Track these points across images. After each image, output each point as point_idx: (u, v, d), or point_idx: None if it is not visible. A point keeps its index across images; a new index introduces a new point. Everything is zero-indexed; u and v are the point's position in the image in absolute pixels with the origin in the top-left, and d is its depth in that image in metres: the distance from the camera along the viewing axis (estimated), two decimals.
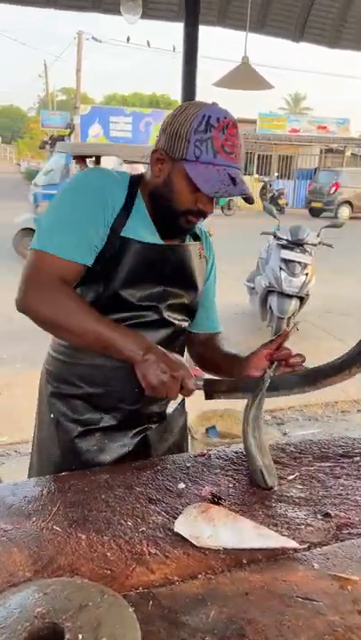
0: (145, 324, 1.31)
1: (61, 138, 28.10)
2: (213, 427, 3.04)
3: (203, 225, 1.49)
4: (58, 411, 1.38)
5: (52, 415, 1.39)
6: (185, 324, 1.43)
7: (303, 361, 1.29)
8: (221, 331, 1.57)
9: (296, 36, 3.20)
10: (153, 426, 1.42)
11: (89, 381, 1.34)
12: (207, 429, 3.04)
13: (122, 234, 1.25)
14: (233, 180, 1.18)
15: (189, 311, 1.43)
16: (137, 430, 1.39)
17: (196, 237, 1.46)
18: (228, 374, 1.42)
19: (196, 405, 3.77)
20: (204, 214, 1.28)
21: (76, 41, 24.32)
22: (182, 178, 1.21)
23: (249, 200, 1.26)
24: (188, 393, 1.20)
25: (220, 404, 3.76)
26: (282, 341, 1.30)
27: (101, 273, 1.25)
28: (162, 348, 1.19)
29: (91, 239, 1.22)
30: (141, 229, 1.28)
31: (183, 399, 1.54)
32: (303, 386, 1.23)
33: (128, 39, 21.63)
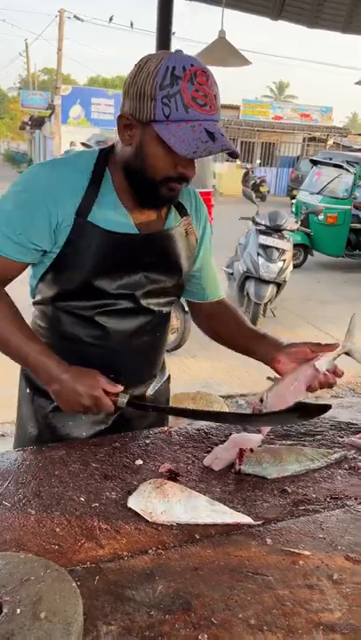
0: (119, 312, 1.25)
1: (42, 119, 27.59)
2: None
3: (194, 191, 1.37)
4: (32, 386, 1.37)
5: (27, 391, 1.38)
6: (167, 309, 1.36)
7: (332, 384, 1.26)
8: (222, 296, 1.48)
9: (274, 13, 3.14)
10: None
11: None
12: None
13: (89, 219, 1.16)
14: (211, 134, 1.05)
15: (172, 293, 1.35)
16: None
17: (183, 211, 1.32)
18: (249, 352, 1.38)
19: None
20: (186, 179, 1.15)
21: (58, 19, 23.78)
22: (155, 142, 1.09)
23: (233, 154, 1.15)
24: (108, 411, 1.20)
25: (191, 384, 3.77)
26: (326, 350, 1.27)
27: (71, 259, 1.18)
28: (79, 369, 1.17)
29: (30, 238, 1.16)
30: (111, 214, 1.19)
31: (168, 376, 1.52)
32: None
33: (111, 19, 21.26)
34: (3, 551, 0.87)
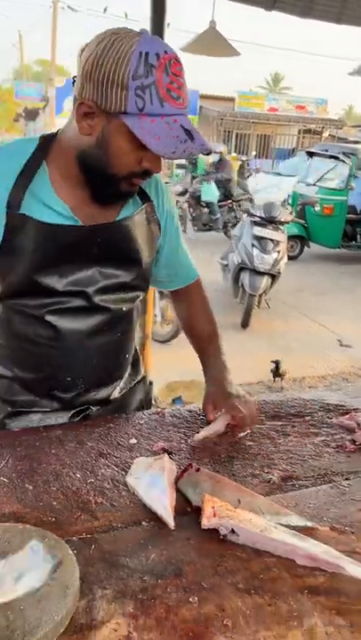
0: (71, 311, 1.18)
1: (36, 110, 27.39)
2: (179, 397, 3.07)
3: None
4: None
5: None
6: (128, 306, 1.27)
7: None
8: (196, 277, 1.43)
9: (268, 4, 3.15)
10: (94, 408, 1.32)
11: (20, 365, 1.26)
12: (173, 400, 3.07)
13: (21, 211, 1.09)
14: (189, 133, 0.99)
15: (133, 289, 1.26)
16: (75, 411, 1.30)
17: (144, 196, 1.23)
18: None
19: (163, 376, 3.81)
20: (150, 174, 1.09)
21: (52, 10, 23.59)
22: (123, 135, 1.01)
23: (208, 152, 1.09)
24: None
25: (186, 374, 3.81)
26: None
27: (10, 255, 1.11)
28: None
29: None
30: (47, 206, 1.11)
31: (143, 377, 1.49)
32: None
33: (105, 10, 21.12)
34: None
